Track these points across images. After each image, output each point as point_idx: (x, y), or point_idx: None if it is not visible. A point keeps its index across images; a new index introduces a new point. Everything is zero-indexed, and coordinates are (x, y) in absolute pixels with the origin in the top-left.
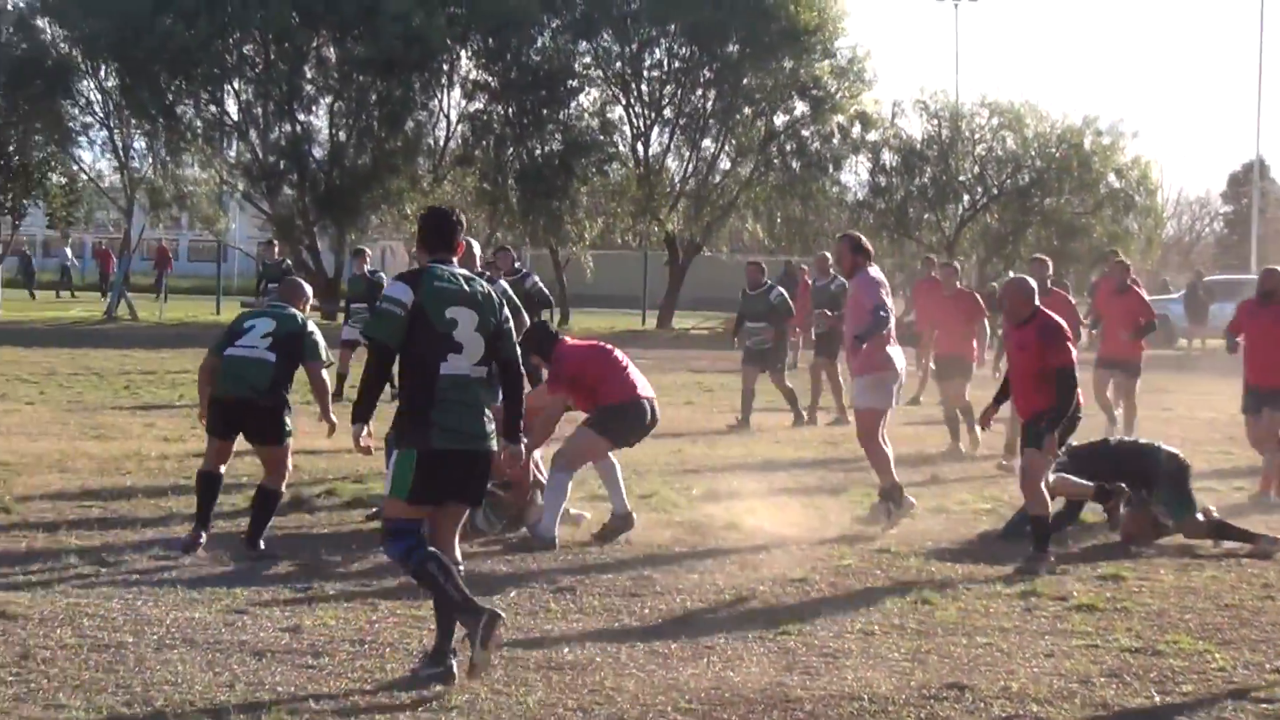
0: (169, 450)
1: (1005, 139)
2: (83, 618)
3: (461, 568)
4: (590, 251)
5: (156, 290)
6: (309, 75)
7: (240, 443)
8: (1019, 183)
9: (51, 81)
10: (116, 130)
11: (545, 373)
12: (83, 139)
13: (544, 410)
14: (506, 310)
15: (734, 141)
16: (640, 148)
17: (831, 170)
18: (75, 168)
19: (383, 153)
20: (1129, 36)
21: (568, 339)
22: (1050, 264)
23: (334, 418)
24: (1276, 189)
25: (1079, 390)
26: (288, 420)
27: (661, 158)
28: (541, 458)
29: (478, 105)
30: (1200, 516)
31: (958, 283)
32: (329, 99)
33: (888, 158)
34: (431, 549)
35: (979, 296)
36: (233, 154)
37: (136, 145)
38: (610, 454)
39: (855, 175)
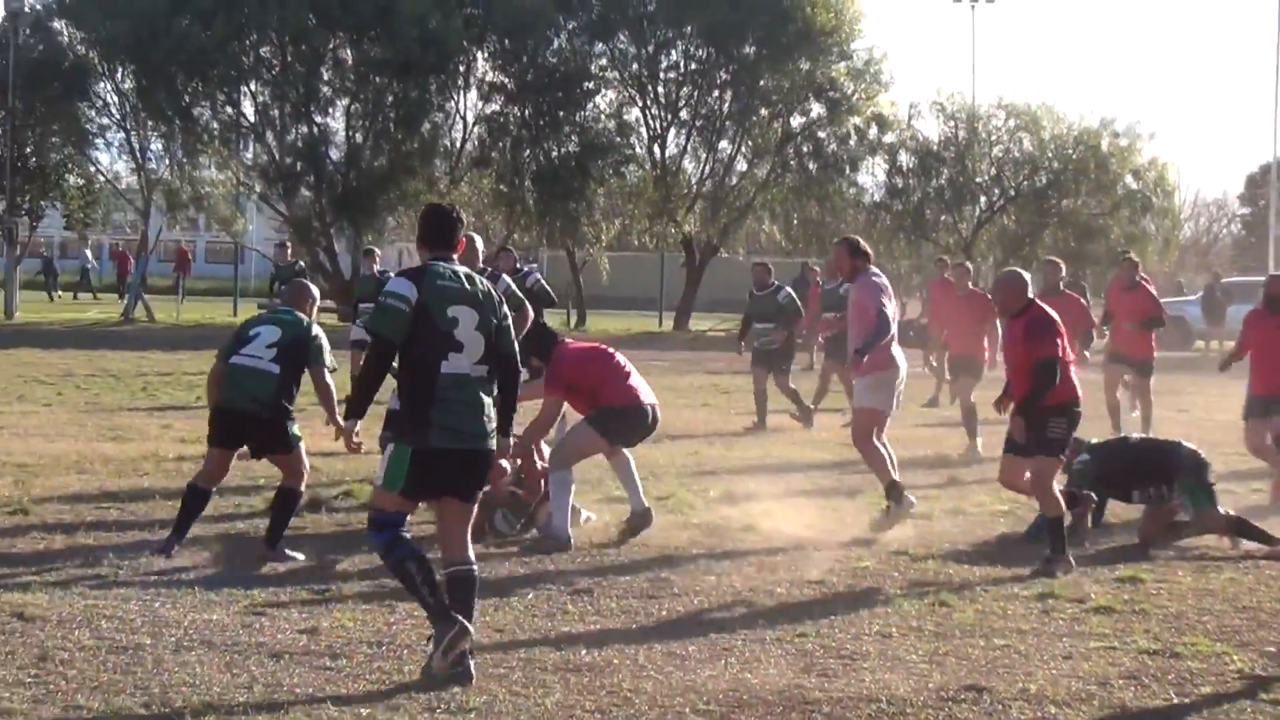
0: (186, 451)
1: (1022, 140)
2: (101, 619)
3: (475, 567)
4: (607, 253)
5: (181, 292)
6: (326, 77)
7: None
8: (1036, 184)
9: (69, 83)
10: (133, 132)
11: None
12: (100, 141)
13: (542, 410)
14: (506, 308)
15: (750, 143)
16: (657, 149)
17: (848, 172)
18: (92, 169)
19: (399, 154)
20: (1146, 38)
21: (568, 341)
22: (1063, 266)
23: (341, 421)
24: None
25: (1078, 386)
26: (292, 428)
27: (678, 159)
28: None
29: (494, 107)
30: (1220, 510)
31: (970, 283)
32: (346, 101)
33: (904, 159)
34: (414, 548)
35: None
36: (249, 156)
37: (153, 147)
38: (625, 450)
39: (872, 177)
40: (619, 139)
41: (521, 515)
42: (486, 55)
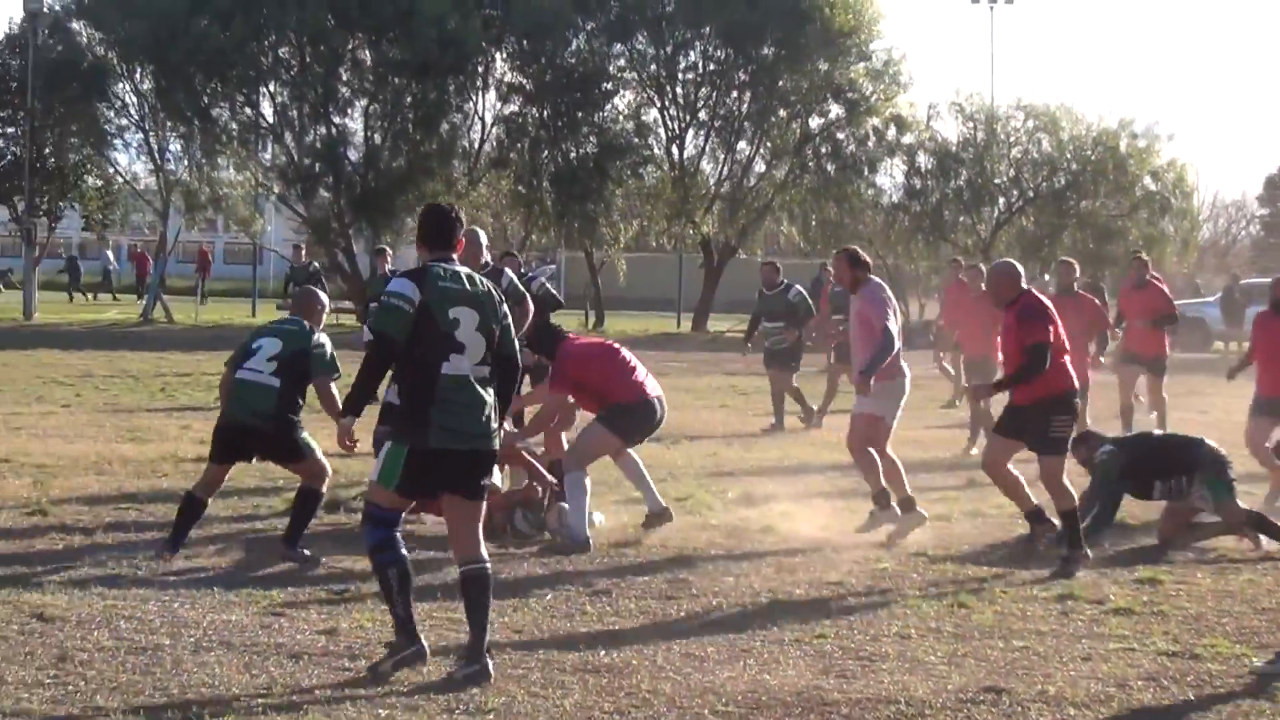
0: (205, 453)
1: (1041, 141)
2: (120, 620)
3: (488, 565)
4: (624, 254)
5: (198, 293)
6: (344, 78)
7: None
8: (1055, 185)
9: (87, 84)
10: (152, 133)
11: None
12: (118, 141)
13: (545, 406)
14: (505, 308)
15: (769, 144)
16: (675, 150)
17: (866, 173)
18: (111, 170)
19: (418, 155)
20: (1165, 39)
21: (573, 337)
22: (1077, 266)
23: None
24: None
25: (1073, 376)
26: (301, 436)
27: (696, 160)
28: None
29: (512, 108)
30: (1241, 503)
31: (984, 285)
32: (364, 101)
33: (923, 160)
34: (401, 556)
35: None
36: (268, 157)
37: (172, 148)
38: (631, 451)
39: (890, 178)
40: (637, 140)
41: (535, 516)
42: (505, 56)
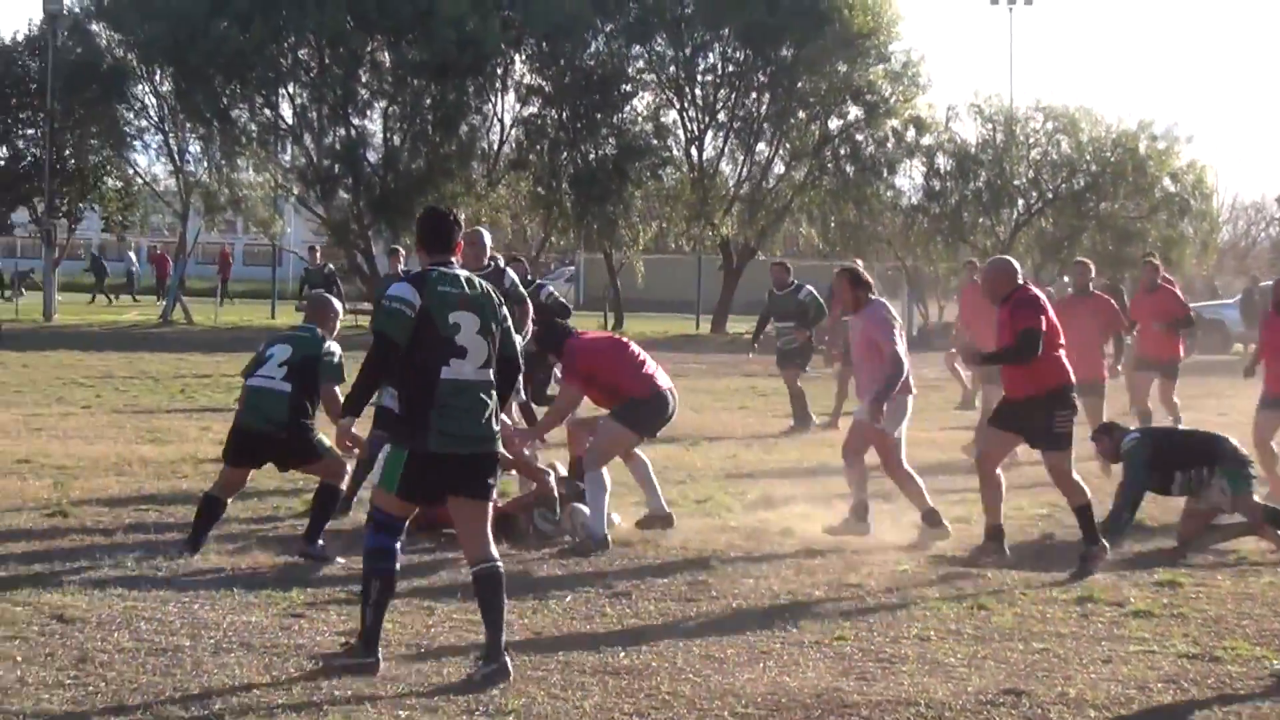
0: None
1: (1060, 143)
2: (140, 621)
3: (499, 564)
4: (644, 256)
5: (221, 294)
6: (363, 79)
7: None
8: (1074, 187)
9: (107, 86)
10: (171, 134)
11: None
12: (138, 143)
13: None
14: (505, 309)
15: (788, 146)
16: (694, 152)
17: (886, 174)
18: (130, 172)
19: (437, 157)
20: (1184, 41)
21: (580, 333)
22: (1092, 267)
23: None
24: None
25: (1069, 370)
26: (315, 437)
27: (715, 162)
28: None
29: (531, 109)
30: (1258, 498)
31: (980, 281)
32: (383, 103)
33: (942, 162)
34: (390, 569)
35: None
36: (287, 158)
37: (191, 149)
38: (641, 453)
39: (909, 179)
40: (656, 141)
41: (553, 513)
42: (524, 57)
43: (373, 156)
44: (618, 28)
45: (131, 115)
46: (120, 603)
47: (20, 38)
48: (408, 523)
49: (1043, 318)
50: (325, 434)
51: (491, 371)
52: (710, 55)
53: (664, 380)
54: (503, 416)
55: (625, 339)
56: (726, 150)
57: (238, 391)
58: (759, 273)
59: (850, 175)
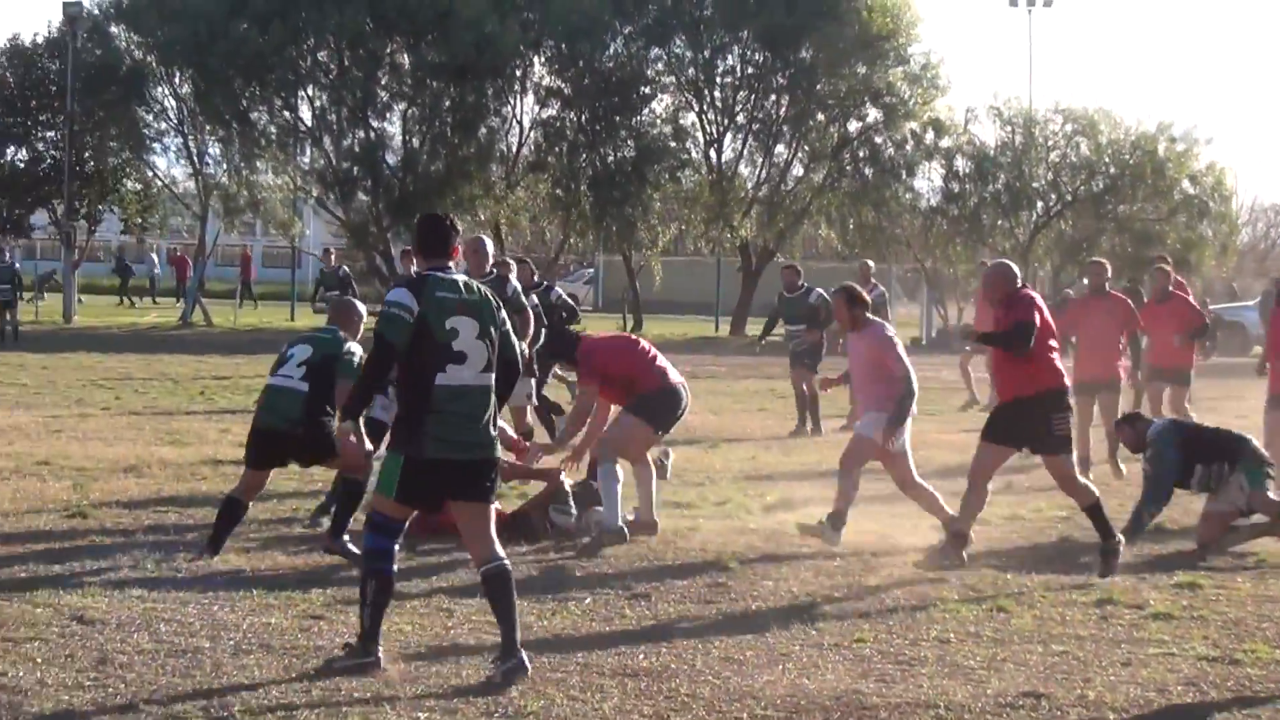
0: (243, 456)
1: (1079, 145)
2: (159, 622)
3: (507, 563)
4: (662, 258)
5: (246, 296)
6: (383, 81)
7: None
8: (1093, 189)
9: (126, 88)
10: (191, 136)
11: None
12: (157, 145)
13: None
14: (504, 313)
15: (807, 148)
16: (713, 154)
17: (905, 177)
18: (150, 174)
19: (456, 159)
20: (1203, 43)
21: (590, 335)
22: (1109, 267)
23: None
24: None
25: (1063, 372)
26: (333, 433)
27: (734, 164)
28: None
29: (550, 111)
30: (1275, 496)
31: (980, 284)
32: (403, 105)
33: (961, 164)
34: (387, 570)
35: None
36: (306, 160)
37: (211, 151)
38: (650, 465)
39: (928, 181)
40: (675, 143)
41: (566, 505)
42: (543, 60)
43: (392, 158)
44: (637, 29)
45: (151, 117)
46: (140, 604)
47: (40, 40)
48: (406, 525)
49: (1037, 314)
50: None
51: (492, 376)
52: (729, 57)
53: (676, 375)
54: (502, 424)
55: (635, 337)
56: (745, 152)
57: (257, 394)
58: (778, 275)
59: (869, 177)
